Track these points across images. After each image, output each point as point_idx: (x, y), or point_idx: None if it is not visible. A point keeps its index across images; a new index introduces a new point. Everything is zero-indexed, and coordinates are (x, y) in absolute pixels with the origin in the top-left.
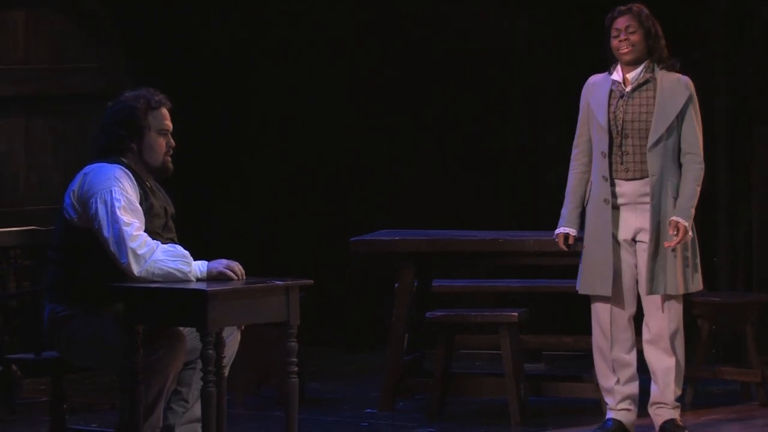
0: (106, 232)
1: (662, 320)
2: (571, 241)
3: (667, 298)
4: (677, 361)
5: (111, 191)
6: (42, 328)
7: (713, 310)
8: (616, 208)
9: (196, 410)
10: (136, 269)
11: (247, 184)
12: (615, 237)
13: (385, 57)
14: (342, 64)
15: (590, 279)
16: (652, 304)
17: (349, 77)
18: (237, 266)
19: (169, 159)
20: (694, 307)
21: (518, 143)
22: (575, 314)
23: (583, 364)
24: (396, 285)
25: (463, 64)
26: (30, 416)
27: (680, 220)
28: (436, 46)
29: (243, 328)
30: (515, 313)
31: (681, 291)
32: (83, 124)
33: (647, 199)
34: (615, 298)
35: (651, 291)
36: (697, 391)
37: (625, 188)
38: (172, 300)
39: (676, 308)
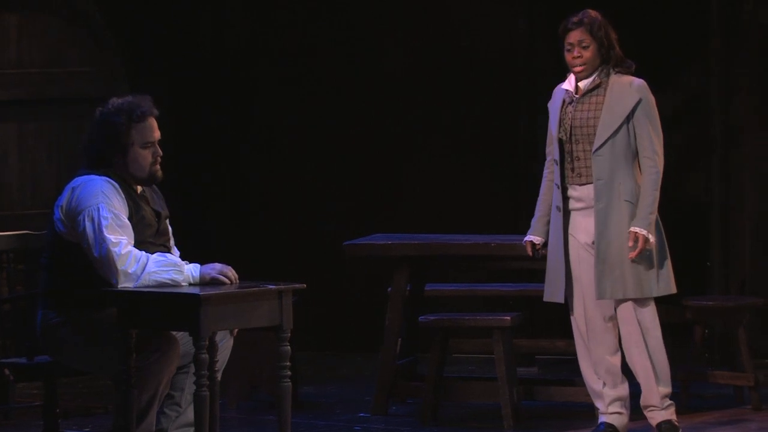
0: (95, 252)
1: (630, 324)
2: (537, 249)
3: (632, 301)
4: (654, 362)
5: (98, 208)
6: (35, 332)
7: (706, 313)
8: (577, 212)
9: (189, 414)
10: (129, 288)
11: (241, 187)
12: (579, 241)
13: (382, 60)
14: (340, 67)
15: (548, 287)
16: (620, 308)
17: (346, 79)
18: (230, 271)
19: (157, 168)
20: (687, 310)
21: (517, 146)
22: (568, 318)
23: (576, 368)
24: (389, 289)
25: (462, 68)
26: (23, 420)
27: (638, 230)
28: (434, 50)
29: (236, 332)
30: (508, 317)
31: (639, 294)
32: (77, 129)
33: None
34: (587, 302)
35: (598, 295)
36: (690, 394)
37: (581, 192)
38: (164, 305)
39: (644, 311)
